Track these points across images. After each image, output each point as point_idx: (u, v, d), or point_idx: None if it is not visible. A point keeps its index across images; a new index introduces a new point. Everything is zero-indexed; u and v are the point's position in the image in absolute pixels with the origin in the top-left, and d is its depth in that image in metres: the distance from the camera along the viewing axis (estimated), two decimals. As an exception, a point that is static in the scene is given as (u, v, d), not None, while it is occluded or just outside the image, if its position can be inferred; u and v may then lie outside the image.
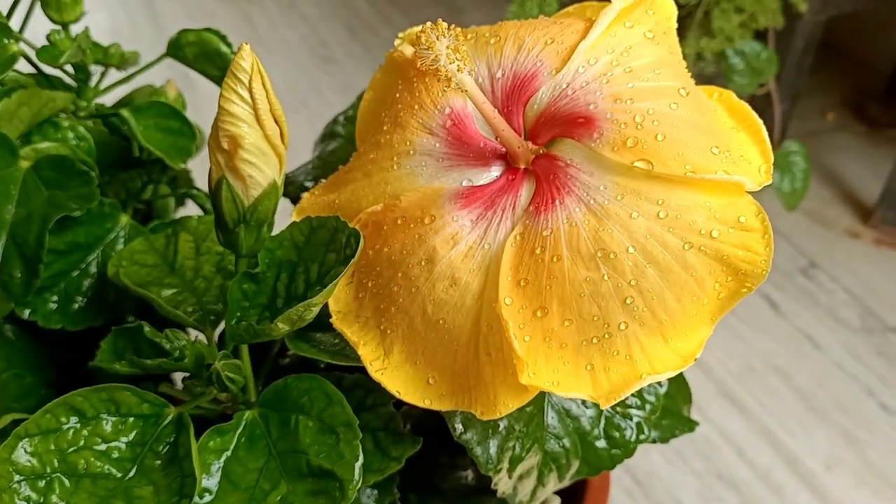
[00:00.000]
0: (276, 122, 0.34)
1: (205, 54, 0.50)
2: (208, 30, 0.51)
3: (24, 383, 0.45)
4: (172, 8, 1.88)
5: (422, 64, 0.32)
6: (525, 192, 0.32)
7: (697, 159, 0.29)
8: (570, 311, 0.29)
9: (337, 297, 0.33)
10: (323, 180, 0.47)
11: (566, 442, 0.44)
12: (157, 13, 1.83)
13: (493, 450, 0.41)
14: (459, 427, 0.41)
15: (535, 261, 0.30)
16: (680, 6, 1.07)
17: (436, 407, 0.31)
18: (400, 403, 0.45)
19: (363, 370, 0.44)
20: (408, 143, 0.34)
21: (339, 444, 0.35)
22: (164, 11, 1.85)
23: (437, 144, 0.33)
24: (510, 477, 0.42)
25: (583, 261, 0.29)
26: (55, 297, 0.45)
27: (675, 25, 0.35)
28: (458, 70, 0.32)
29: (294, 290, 0.36)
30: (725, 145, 0.30)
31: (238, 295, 0.36)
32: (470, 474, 0.48)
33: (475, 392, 0.30)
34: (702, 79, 0.41)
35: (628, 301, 0.29)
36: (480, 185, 0.32)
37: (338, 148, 0.56)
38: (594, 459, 0.43)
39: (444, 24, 0.32)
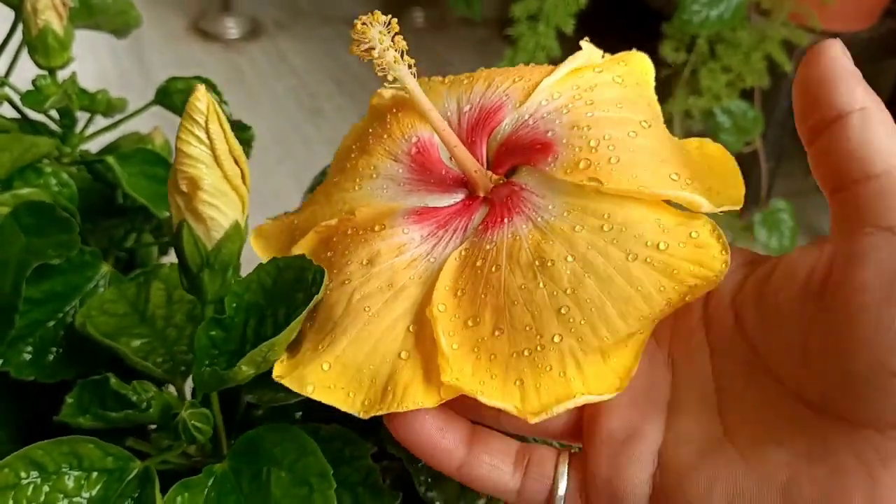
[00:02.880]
0: (236, 163, 0.33)
1: (193, 102, 0.49)
2: (197, 78, 0.50)
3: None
4: (161, 58, 1.89)
5: (359, 48, 0.32)
6: (478, 215, 0.32)
7: (652, 181, 0.29)
8: (502, 320, 0.28)
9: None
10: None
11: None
12: (146, 62, 1.84)
13: (459, 510, 0.40)
14: (423, 487, 0.40)
15: (474, 272, 0.29)
16: (668, 65, 1.08)
17: (317, 397, 0.29)
18: (379, 457, 0.43)
19: (341, 420, 0.43)
20: (372, 167, 0.34)
21: (312, 495, 0.33)
22: (153, 61, 1.86)
23: (400, 170, 0.34)
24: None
25: (520, 269, 0.29)
26: (29, 348, 0.43)
27: (651, 81, 0.36)
28: (394, 61, 0.32)
29: (263, 334, 0.35)
30: (688, 174, 0.30)
31: (205, 342, 0.35)
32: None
33: (374, 393, 0.29)
34: (689, 136, 0.40)
35: (563, 311, 0.28)
36: (435, 207, 0.33)
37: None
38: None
39: (382, 16, 0.32)
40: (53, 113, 0.49)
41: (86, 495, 0.33)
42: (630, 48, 0.37)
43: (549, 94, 0.33)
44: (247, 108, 1.74)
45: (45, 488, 0.33)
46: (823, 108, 0.26)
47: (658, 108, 0.35)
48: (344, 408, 0.29)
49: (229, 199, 0.33)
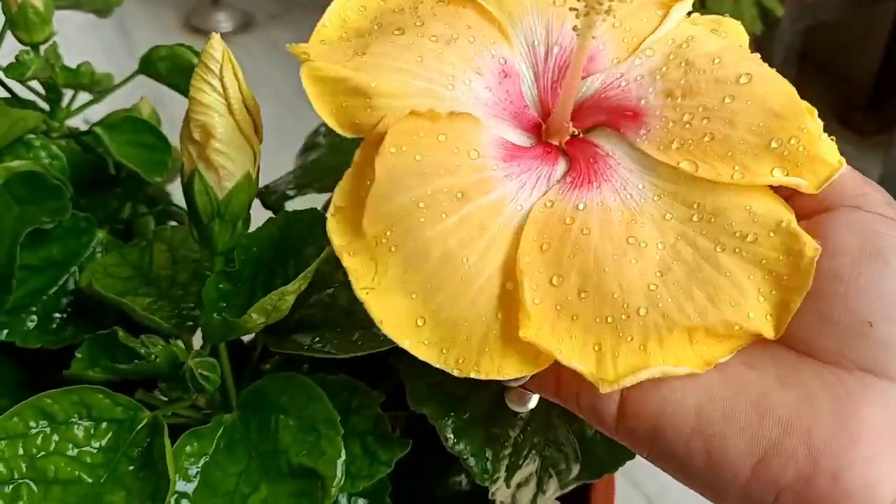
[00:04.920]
0: (249, 113, 0.33)
1: (177, 68, 0.50)
2: (180, 44, 0.51)
3: (2, 407, 0.43)
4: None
5: None
6: (560, 167, 0.31)
7: (748, 159, 0.28)
8: (589, 284, 0.28)
9: (343, 190, 0.29)
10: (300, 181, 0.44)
11: (565, 446, 0.42)
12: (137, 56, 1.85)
13: (488, 459, 0.40)
14: (451, 437, 0.39)
15: (563, 229, 0.29)
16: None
17: (414, 352, 0.28)
18: (388, 406, 0.44)
19: (347, 369, 0.43)
20: (464, 71, 0.31)
21: (320, 441, 0.33)
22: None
23: (487, 89, 0.31)
24: (508, 486, 0.40)
25: (612, 241, 0.28)
26: (33, 317, 0.43)
27: (746, 44, 0.34)
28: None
29: (273, 287, 0.35)
30: (789, 136, 0.29)
31: (214, 295, 0.35)
32: (464, 479, 0.47)
33: (469, 350, 0.28)
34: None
35: (651, 288, 0.28)
36: (521, 147, 0.31)
37: (320, 157, 0.56)
38: (595, 462, 0.42)
39: None
40: (40, 90, 0.50)
41: (95, 445, 0.34)
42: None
43: (646, 50, 0.32)
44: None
45: (55, 437, 0.33)
46: None
47: (756, 56, 0.33)
48: (438, 364, 0.28)
49: (241, 148, 0.33)
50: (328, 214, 0.28)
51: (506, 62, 0.32)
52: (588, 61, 0.32)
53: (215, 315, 0.35)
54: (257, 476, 0.34)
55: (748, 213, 0.28)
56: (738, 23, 0.34)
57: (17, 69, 0.44)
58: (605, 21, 0.31)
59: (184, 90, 0.50)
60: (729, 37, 0.33)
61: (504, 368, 0.27)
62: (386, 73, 0.30)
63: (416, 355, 0.27)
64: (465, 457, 0.39)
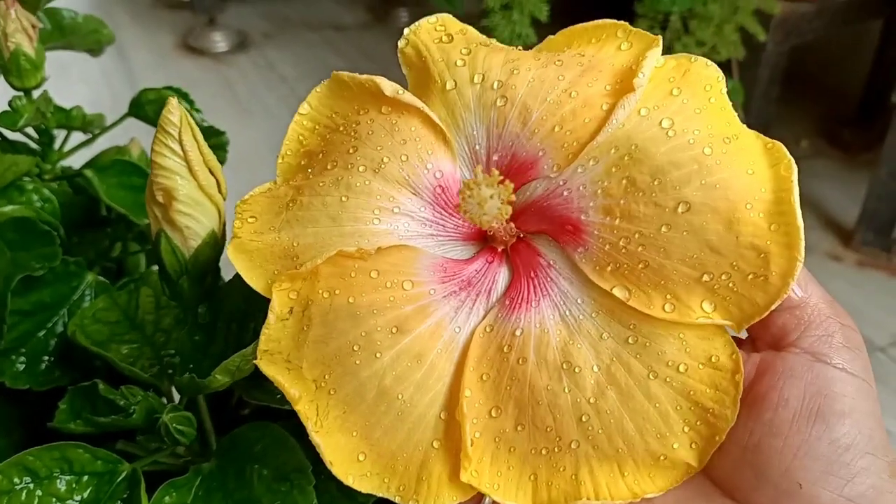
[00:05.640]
0: (211, 172, 0.35)
1: (165, 112, 0.51)
2: (169, 88, 0.52)
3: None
4: (154, 77, 1.91)
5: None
6: (502, 279, 0.31)
7: (680, 290, 0.28)
8: (524, 417, 0.29)
9: (269, 336, 0.30)
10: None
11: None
12: (137, 83, 1.86)
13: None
14: None
15: (500, 358, 0.29)
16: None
17: (357, 486, 0.29)
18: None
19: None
20: (391, 198, 0.31)
21: (292, 491, 0.34)
22: (146, 81, 1.88)
23: (423, 208, 0.31)
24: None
25: (547, 369, 0.29)
26: (22, 359, 0.44)
27: (722, 88, 0.31)
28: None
29: (244, 340, 0.36)
30: (721, 272, 0.28)
31: (189, 347, 0.36)
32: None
33: (408, 479, 0.29)
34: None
35: (584, 419, 0.29)
36: (459, 262, 0.31)
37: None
38: None
39: None
40: (32, 133, 0.51)
41: (77, 498, 0.35)
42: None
43: (589, 157, 0.30)
44: (239, 118, 1.75)
45: (38, 492, 0.34)
46: None
47: (730, 126, 0.30)
48: (380, 493, 0.29)
49: (204, 208, 0.35)
50: (257, 358, 0.30)
51: (443, 175, 0.32)
52: (527, 167, 0.31)
53: (191, 366, 0.36)
54: (235, 525, 0.35)
55: (681, 343, 0.29)
56: (708, 64, 0.31)
57: (9, 118, 0.46)
58: (545, 125, 0.31)
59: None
60: (692, 98, 0.30)
61: (441, 497, 0.29)
62: (310, 228, 0.31)
63: (360, 489, 0.29)
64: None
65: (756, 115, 1.28)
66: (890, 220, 1.33)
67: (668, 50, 1.09)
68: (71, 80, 1.71)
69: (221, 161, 0.54)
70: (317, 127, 0.34)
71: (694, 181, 0.29)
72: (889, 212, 1.32)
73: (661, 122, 0.30)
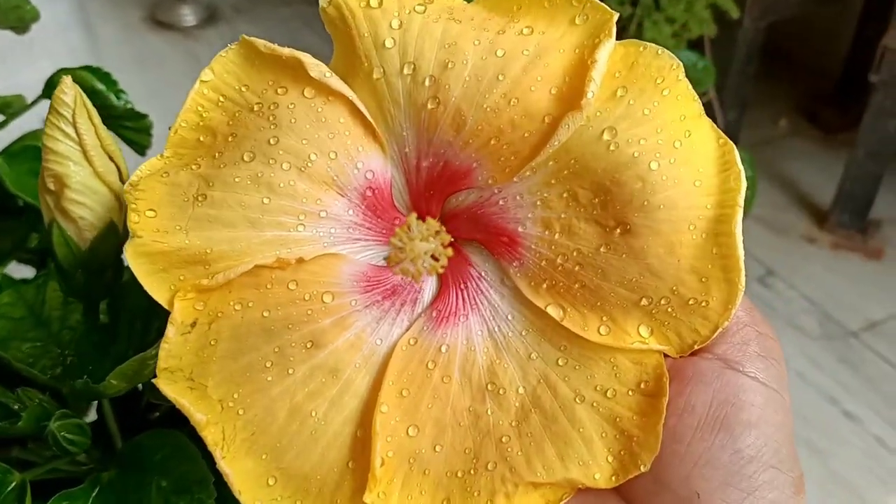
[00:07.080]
0: (111, 159, 0.32)
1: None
2: (85, 67, 0.49)
3: None
4: (119, 52, 1.87)
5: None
6: (429, 288, 0.30)
7: (617, 312, 0.27)
8: (444, 438, 0.27)
9: (169, 351, 0.27)
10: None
11: None
12: (104, 59, 1.82)
13: None
14: None
15: (423, 374, 0.28)
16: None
17: None
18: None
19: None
20: (317, 201, 0.28)
21: (192, 504, 0.32)
22: (111, 56, 1.83)
23: (350, 211, 0.29)
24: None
25: (471, 389, 0.28)
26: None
27: (678, 76, 0.28)
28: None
29: (149, 340, 0.34)
30: (661, 296, 0.27)
31: (89, 346, 0.34)
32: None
33: (322, 500, 0.27)
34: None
35: (503, 440, 0.27)
36: (384, 269, 0.29)
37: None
38: None
39: None
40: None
41: (-39, 510, 0.32)
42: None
43: (527, 168, 0.28)
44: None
45: (-81, 505, 0.32)
46: None
47: (683, 121, 0.27)
48: None
49: (101, 196, 0.32)
50: (155, 377, 0.27)
51: (374, 175, 0.29)
52: (460, 177, 0.29)
53: (90, 368, 0.34)
54: (131, 541, 0.32)
55: (611, 367, 0.28)
56: (660, 52, 0.28)
57: None
58: (480, 135, 0.28)
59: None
60: (638, 98, 0.27)
61: None
62: (225, 232, 0.28)
63: None
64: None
65: (733, 93, 1.26)
66: (866, 201, 1.31)
67: (639, 27, 1.06)
68: (34, 56, 1.67)
69: (146, 146, 0.51)
70: (221, 99, 0.29)
71: (636, 201, 0.27)
72: (865, 193, 1.30)
73: (602, 134, 0.27)
